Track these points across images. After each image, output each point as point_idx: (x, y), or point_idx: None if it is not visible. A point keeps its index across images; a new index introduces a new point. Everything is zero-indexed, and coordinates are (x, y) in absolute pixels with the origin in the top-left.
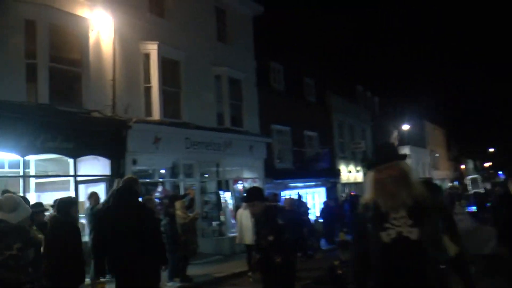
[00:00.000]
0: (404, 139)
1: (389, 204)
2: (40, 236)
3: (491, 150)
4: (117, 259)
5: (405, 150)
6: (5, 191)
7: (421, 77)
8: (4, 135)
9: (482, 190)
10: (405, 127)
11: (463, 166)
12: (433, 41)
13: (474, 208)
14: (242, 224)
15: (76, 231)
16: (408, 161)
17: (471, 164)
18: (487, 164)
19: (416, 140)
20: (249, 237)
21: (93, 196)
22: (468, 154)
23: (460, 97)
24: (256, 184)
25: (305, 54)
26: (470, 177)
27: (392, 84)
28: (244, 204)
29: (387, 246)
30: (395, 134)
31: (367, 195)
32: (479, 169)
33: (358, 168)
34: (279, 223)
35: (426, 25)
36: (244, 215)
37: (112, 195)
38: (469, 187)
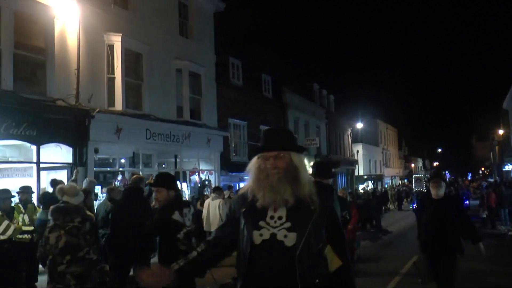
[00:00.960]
0: (358, 137)
1: (267, 200)
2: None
3: (439, 150)
4: (122, 242)
5: (359, 147)
6: (74, 180)
7: (376, 78)
8: None
9: (424, 189)
10: (359, 125)
11: (413, 165)
12: (389, 42)
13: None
14: (210, 213)
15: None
16: (361, 158)
17: (420, 163)
18: (435, 164)
19: (369, 138)
20: (216, 226)
21: (55, 184)
22: (418, 153)
23: (412, 98)
24: (211, 176)
25: (264, 51)
26: (415, 175)
27: (347, 83)
28: (212, 195)
29: (256, 248)
30: (349, 131)
31: (247, 185)
32: (428, 168)
33: (312, 163)
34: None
35: (383, 28)
36: (212, 205)
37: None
38: (413, 186)
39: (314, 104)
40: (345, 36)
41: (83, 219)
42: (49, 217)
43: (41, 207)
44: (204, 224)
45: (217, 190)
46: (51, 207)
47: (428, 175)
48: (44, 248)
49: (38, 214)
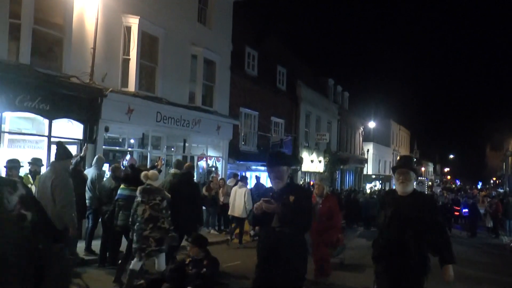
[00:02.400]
0: (370, 136)
1: None
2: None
3: (451, 156)
4: (178, 214)
5: (369, 146)
6: (82, 156)
7: (392, 78)
8: None
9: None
10: (371, 124)
11: (423, 169)
12: (408, 44)
13: None
14: (236, 200)
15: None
16: (371, 157)
17: (431, 167)
18: (446, 169)
19: (381, 138)
20: (240, 211)
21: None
22: (429, 158)
23: (428, 102)
24: (219, 163)
25: (281, 43)
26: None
27: (363, 81)
28: (240, 183)
29: None
30: (360, 129)
31: None
32: (438, 173)
33: (320, 159)
34: None
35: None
36: (238, 192)
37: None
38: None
39: (327, 99)
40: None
41: (162, 198)
42: (138, 195)
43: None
44: (229, 209)
45: (243, 179)
46: (139, 188)
47: (437, 180)
48: (132, 218)
49: (120, 190)
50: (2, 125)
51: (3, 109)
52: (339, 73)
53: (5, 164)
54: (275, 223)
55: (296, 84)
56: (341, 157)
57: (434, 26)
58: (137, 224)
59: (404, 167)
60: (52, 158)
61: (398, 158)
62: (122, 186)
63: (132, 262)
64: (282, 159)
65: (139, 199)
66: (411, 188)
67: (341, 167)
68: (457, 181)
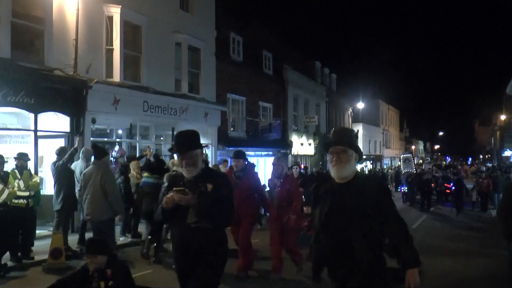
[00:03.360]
0: (358, 117)
1: None
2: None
3: (441, 133)
4: None
5: (359, 127)
6: (75, 148)
7: (380, 58)
8: None
9: (413, 170)
10: (360, 105)
11: (413, 147)
12: (393, 22)
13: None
14: None
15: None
16: (361, 138)
17: (421, 145)
18: (436, 147)
19: (370, 118)
20: None
21: (62, 151)
22: (419, 136)
23: (416, 80)
24: (208, 150)
25: (266, 27)
26: (403, 155)
27: (350, 62)
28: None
29: None
30: (349, 111)
31: None
32: (428, 150)
33: (310, 142)
34: None
35: (388, 7)
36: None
37: (72, 153)
38: (402, 167)
39: (314, 82)
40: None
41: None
42: (165, 181)
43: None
44: None
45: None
46: (167, 174)
47: (429, 158)
48: (159, 202)
49: (144, 178)
50: None
51: None
52: (326, 55)
53: None
54: (190, 218)
55: (283, 68)
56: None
57: (420, 3)
58: None
59: (337, 144)
60: (40, 153)
61: (333, 133)
62: (146, 174)
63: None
64: (194, 141)
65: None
66: (349, 171)
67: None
68: (447, 157)
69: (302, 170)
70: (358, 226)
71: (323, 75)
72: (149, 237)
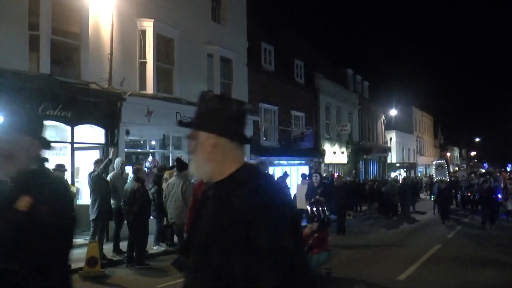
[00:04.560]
0: (391, 124)
1: None
2: None
3: (478, 139)
4: None
5: (392, 134)
6: (110, 159)
7: (412, 64)
8: (8, 101)
9: (447, 178)
10: (393, 112)
11: (449, 154)
12: (426, 27)
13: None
14: (300, 195)
15: None
16: (394, 145)
17: (457, 152)
18: (473, 153)
19: (403, 125)
20: (303, 204)
21: (99, 162)
22: (455, 142)
23: (450, 85)
24: None
25: (297, 36)
26: (435, 162)
27: (382, 69)
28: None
29: None
30: (382, 118)
31: None
32: (464, 157)
33: (343, 150)
34: None
35: (420, 12)
36: (301, 188)
37: (107, 163)
38: (434, 174)
39: (347, 90)
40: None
41: None
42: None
43: None
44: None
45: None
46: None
47: (465, 165)
48: None
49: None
50: None
51: None
52: (358, 63)
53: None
54: None
55: (315, 76)
56: (364, 147)
57: (454, 6)
58: None
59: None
60: (76, 164)
61: None
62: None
63: None
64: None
65: None
66: (204, 169)
67: (364, 157)
68: (484, 164)
69: (326, 180)
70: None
71: (355, 82)
72: None
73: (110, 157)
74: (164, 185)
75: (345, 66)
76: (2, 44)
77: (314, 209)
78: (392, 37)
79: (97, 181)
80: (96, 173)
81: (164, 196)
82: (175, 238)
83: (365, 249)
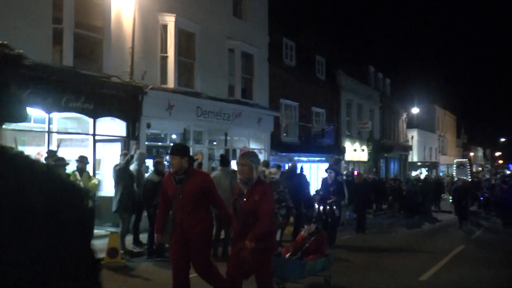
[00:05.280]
0: (413, 122)
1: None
2: None
3: (503, 140)
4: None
5: (414, 133)
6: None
7: (435, 61)
8: (32, 92)
9: (468, 178)
10: (415, 110)
11: (472, 154)
12: (450, 24)
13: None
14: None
15: None
16: (416, 144)
17: (480, 152)
18: (497, 154)
19: (425, 124)
20: None
21: (125, 155)
22: (478, 142)
23: (475, 83)
24: (261, 155)
25: (318, 32)
26: (456, 160)
27: (405, 66)
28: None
29: None
30: (404, 116)
31: None
32: (488, 157)
33: (363, 148)
34: None
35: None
36: None
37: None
38: (455, 173)
39: (368, 87)
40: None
41: (284, 187)
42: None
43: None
44: None
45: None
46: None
47: (489, 166)
48: None
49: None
50: (50, 126)
51: (50, 110)
52: (380, 60)
53: (52, 163)
54: None
55: (336, 72)
56: (385, 145)
57: (479, 1)
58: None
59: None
60: (98, 156)
61: None
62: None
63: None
64: None
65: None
66: None
67: (385, 155)
68: (510, 165)
69: (338, 176)
70: None
71: (376, 79)
72: None
73: (132, 153)
74: None
75: (367, 62)
76: (27, 37)
77: (322, 207)
78: (416, 34)
79: (120, 175)
80: (119, 166)
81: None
82: None
83: (386, 248)
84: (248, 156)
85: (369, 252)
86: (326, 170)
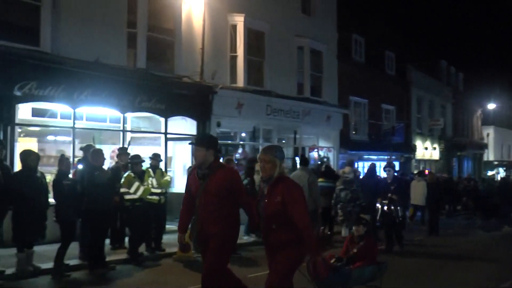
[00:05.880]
0: (489, 119)
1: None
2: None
3: None
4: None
5: (489, 130)
6: None
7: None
8: (108, 94)
9: None
10: (491, 106)
11: None
12: None
13: None
14: None
15: None
16: (492, 142)
17: None
18: None
19: (502, 120)
20: None
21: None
22: None
23: None
24: (330, 154)
25: (388, 27)
26: None
27: (479, 60)
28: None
29: None
30: (478, 112)
31: None
32: None
33: (435, 146)
34: None
35: None
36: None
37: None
38: None
39: (440, 82)
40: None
41: (357, 186)
42: (340, 185)
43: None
44: None
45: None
46: (340, 179)
47: None
48: (335, 200)
49: (320, 182)
50: (125, 125)
51: (125, 110)
52: (452, 53)
53: (128, 161)
54: None
55: (406, 68)
56: (458, 143)
57: None
58: (341, 203)
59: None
60: (169, 154)
61: None
62: (321, 179)
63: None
64: None
65: (341, 187)
66: None
67: (458, 153)
68: None
69: (396, 173)
70: None
71: (449, 74)
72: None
73: None
74: (256, 177)
75: (439, 57)
76: (103, 42)
77: (385, 208)
78: (490, 25)
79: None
80: (191, 168)
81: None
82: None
83: (461, 251)
84: (272, 151)
85: (444, 254)
86: (384, 169)
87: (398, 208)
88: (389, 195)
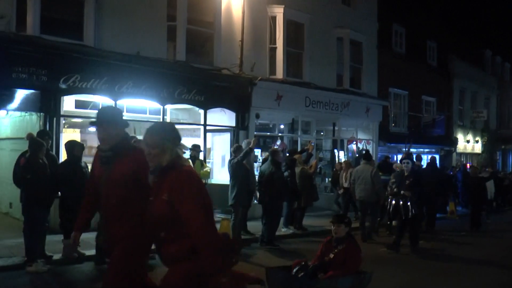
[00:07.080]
0: None
1: None
2: None
3: None
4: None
5: None
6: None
7: None
8: (148, 86)
9: None
10: None
11: None
12: None
13: None
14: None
15: None
16: None
17: None
18: None
19: None
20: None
21: (238, 150)
22: None
23: None
24: (369, 146)
25: (429, 15)
26: None
27: None
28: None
29: None
30: None
31: None
32: None
33: (477, 139)
34: None
35: None
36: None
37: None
38: None
39: (484, 72)
40: None
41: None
42: (393, 178)
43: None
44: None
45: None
46: (394, 174)
47: None
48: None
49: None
50: (164, 117)
51: (165, 102)
52: (498, 42)
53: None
54: None
55: (448, 58)
56: (502, 136)
57: None
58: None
59: None
60: (208, 145)
61: None
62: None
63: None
64: None
65: (393, 180)
66: None
67: (503, 147)
68: None
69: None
70: None
71: (494, 64)
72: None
73: (250, 145)
74: (296, 169)
75: (483, 46)
76: (144, 35)
77: (394, 202)
78: None
79: (237, 168)
80: (236, 160)
81: (352, 179)
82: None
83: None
84: (159, 132)
85: (486, 251)
86: (402, 161)
87: (408, 204)
88: (401, 192)
